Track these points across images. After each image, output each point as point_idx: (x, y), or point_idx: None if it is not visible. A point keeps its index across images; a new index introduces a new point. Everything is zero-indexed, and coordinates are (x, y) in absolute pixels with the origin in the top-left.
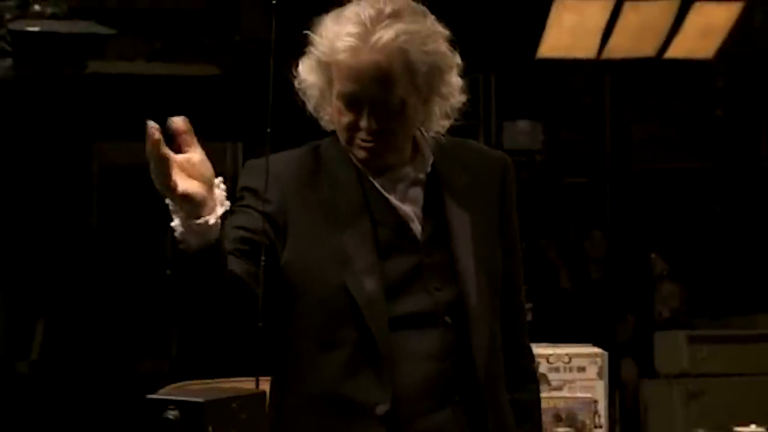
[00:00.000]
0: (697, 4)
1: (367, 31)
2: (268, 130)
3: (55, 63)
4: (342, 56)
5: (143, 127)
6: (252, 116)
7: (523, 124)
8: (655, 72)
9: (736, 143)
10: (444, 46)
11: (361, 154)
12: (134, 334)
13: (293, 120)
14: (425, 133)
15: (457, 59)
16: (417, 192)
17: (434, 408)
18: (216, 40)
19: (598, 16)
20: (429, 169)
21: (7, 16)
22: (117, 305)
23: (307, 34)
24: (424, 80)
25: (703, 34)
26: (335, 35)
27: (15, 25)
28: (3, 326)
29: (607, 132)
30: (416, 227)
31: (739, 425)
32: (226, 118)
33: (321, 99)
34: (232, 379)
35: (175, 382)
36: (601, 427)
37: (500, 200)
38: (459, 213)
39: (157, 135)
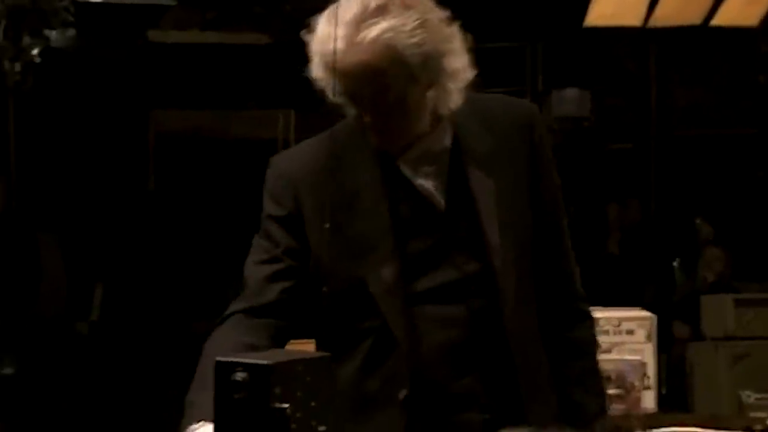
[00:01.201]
0: None
1: (352, 32)
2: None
3: (117, 33)
4: (333, 58)
5: (197, 95)
6: (303, 84)
7: (571, 92)
8: (700, 39)
9: None
10: (440, 32)
11: (374, 141)
12: (190, 296)
13: None
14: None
15: (459, 40)
16: (440, 165)
17: (457, 376)
18: (267, 9)
19: None
20: (450, 141)
21: None
22: (174, 268)
23: (306, 34)
24: (420, 70)
25: (748, 2)
26: (327, 37)
27: None
28: (65, 289)
29: (652, 99)
30: (438, 202)
31: None
32: (278, 86)
33: (334, 92)
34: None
35: None
36: (649, 388)
37: (530, 157)
38: (482, 181)
39: None
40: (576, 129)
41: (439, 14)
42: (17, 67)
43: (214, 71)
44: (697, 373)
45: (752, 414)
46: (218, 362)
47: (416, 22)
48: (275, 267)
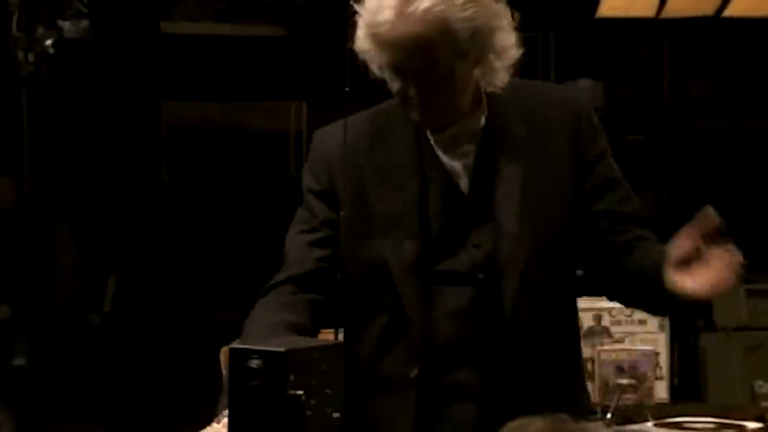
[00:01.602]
0: None
1: (402, 3)
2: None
3: (130, 24)
4: (382, 29)
5: (209, 87)
6: (315, 76)
7: (584, 83)
8: (713, 30)
9: None
10: (490, 7)
11: (415, 117)
12: (203, 288)
13: (360, 79)
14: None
15: (507, 17)
16: (472, 145)
17: (457, 366)
18: (280, 1)
19: None
20: (483, 122)
21: None
22: (186, 259)
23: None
24: (469, 45)
25: None
26: (377, 7)
27: None
28: (78, 280)
29: (665, 90)
30: (464, 183)
31: None
32: (291, 78)
33: (379, 66)
34: None
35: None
36: (662, 378)
37: (574, 148)
38: (509, 166)
39: None
40: None
41: None
42: (31, 57)
43: (227, 63)
44: (709, 364)
45: (765, 403)
46: (233, 349)
47: None
48: (313, 236)
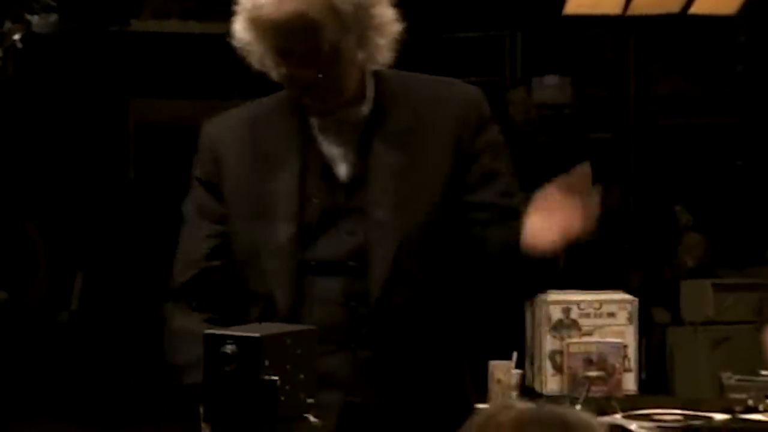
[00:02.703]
0: None
1: None
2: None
3: (99, 19)
4: (265, 11)
5: (178, 85)
6: None
7: (551, 79)
8: (679, 28)
9: (756, 99)
10: None
11: (305, 101)
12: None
13: None
14: (371, 71)
15: None
16: (353, 135)
17: (326, 353)
18: None
19: None
20: (368, 110)
21: None
22: (154, 257)
23: None
24: (353, 20)
25: None
26: None
27: None
28: (46, 278)
29: (631, 88)
30: (341, 170)
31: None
32: (258, 76)
33: (261, 55)
34: None
35: None
36: (630, 370)
37: (457, 138)
38: (385, 156)
39: None
40: (557, 116)
41: None
42: None
43: (195, 60)
44: (677, 358)
45: (733, 395)
46: (207, 335)
47: None
48: (206, 228)
